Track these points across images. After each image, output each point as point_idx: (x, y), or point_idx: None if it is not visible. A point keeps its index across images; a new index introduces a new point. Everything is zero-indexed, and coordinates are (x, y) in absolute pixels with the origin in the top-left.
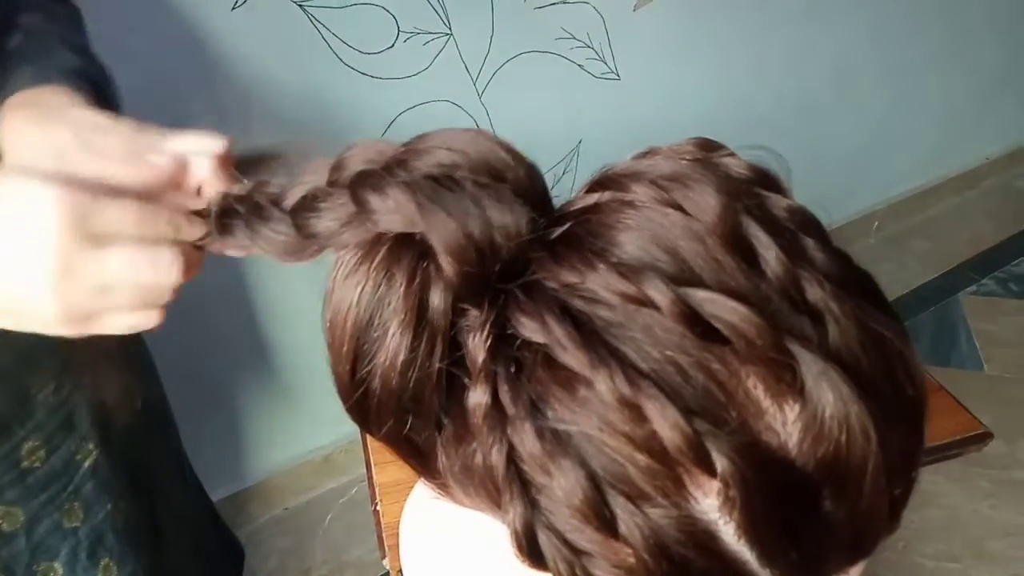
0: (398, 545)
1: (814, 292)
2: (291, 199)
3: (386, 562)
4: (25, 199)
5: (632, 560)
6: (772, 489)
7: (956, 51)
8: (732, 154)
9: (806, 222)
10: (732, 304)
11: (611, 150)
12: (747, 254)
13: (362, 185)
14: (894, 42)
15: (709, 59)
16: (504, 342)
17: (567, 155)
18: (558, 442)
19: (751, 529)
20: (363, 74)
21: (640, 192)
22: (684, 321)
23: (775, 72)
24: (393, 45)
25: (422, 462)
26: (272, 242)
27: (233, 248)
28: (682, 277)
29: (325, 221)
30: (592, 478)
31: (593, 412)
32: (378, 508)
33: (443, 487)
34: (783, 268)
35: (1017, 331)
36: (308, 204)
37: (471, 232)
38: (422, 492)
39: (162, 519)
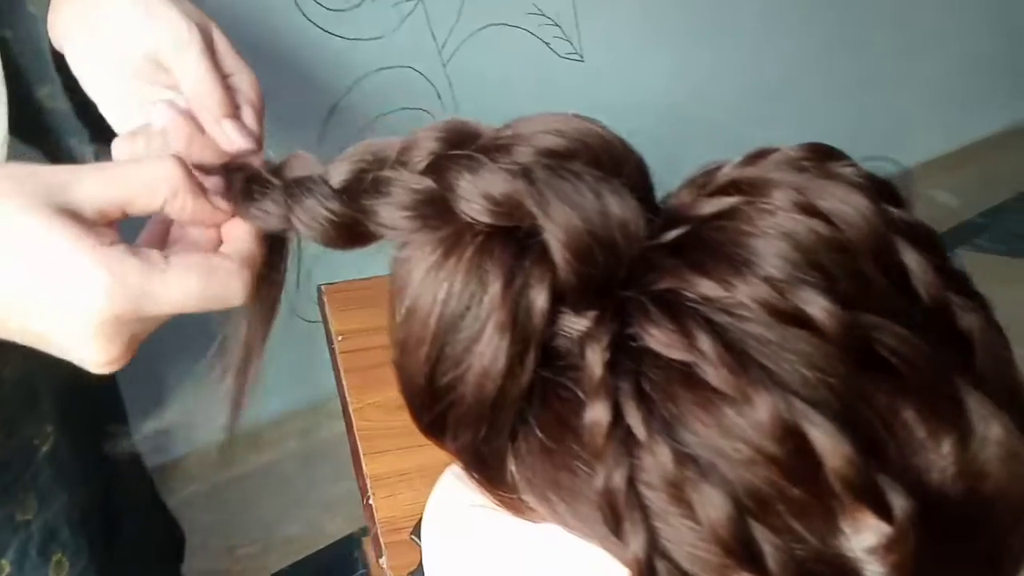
0: (397, 543)
1: (966, 319)
2: (338, 176)
3: (383, 561)
4: (72, 277)
5: None
6: (935, 530)
7: (875, 65)
8: (853, 164)
9: (930, 238)
10: (902, 332)
11: None
12: (899, 273)
13: (451, 168)
14: (834, 52)
15: (673, 47)
16: (625, 354)
17: None
18: (699, 469)
19: (906, 571)
20: (326, 31)
21: (782, 199)
22: (849, 346)
23: (736, 64)
24: (360, 4)
25: (486, 473)
26: (316, 218)
27: (256, 219)
28: (834, 295)
29: (394, 205)
30: (738, 508)
31: (743, 438)
32: (371, 502)
33: (509, 501)
34: (937, 292)
35: None
36: (371, 184)
37: (594, 227)
38: (453, 493)
39: (116, 509)
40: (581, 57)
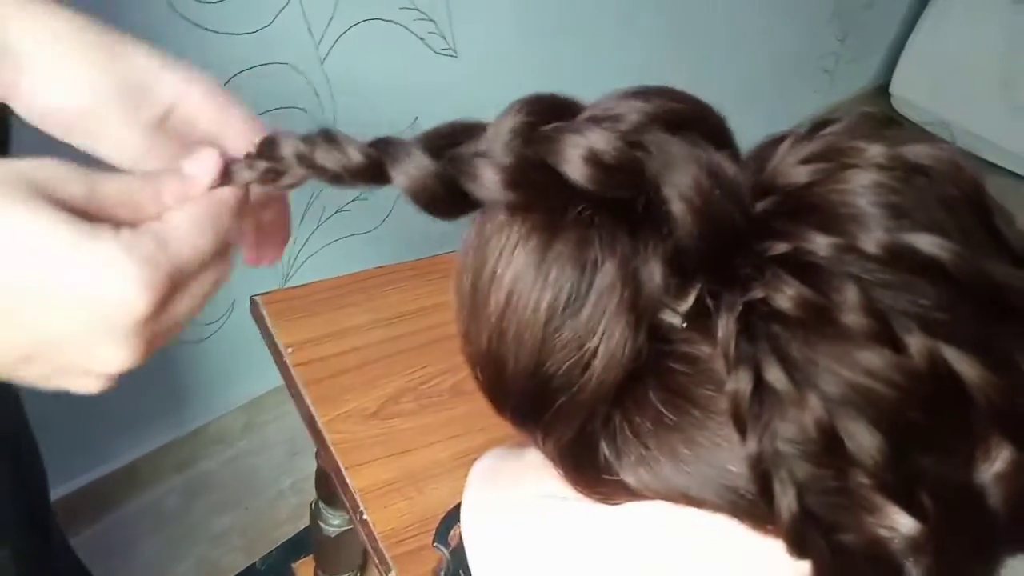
0: (402, 555)
1: None
2: (423, 143)
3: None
4: (100, 280)
5: (886, 534)
6: None
7: (707, 64)
8: (904, 127)
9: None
10: (1018, 272)
11: None
12: (990, 224)
13: (555, 134)
14: (686, 47)
15: (544, 43)
16: (757, 319)
17: (403, 132)
18: (851, 415)
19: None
20: (196, 25)
21: (877, 159)
22: (974, 286)
23: (603, 59)
24: None
25: (573, 460)
26: (418, 168)
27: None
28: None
29: (494, 168)
30: (892, 445)
31: (889, 380)
32: (365, 518)
33: (595, 484)
34: (1018, 238)
35: None
36: (467, 150)
37: (715, 192)
38: (502, 488)
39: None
40: (455, 53)
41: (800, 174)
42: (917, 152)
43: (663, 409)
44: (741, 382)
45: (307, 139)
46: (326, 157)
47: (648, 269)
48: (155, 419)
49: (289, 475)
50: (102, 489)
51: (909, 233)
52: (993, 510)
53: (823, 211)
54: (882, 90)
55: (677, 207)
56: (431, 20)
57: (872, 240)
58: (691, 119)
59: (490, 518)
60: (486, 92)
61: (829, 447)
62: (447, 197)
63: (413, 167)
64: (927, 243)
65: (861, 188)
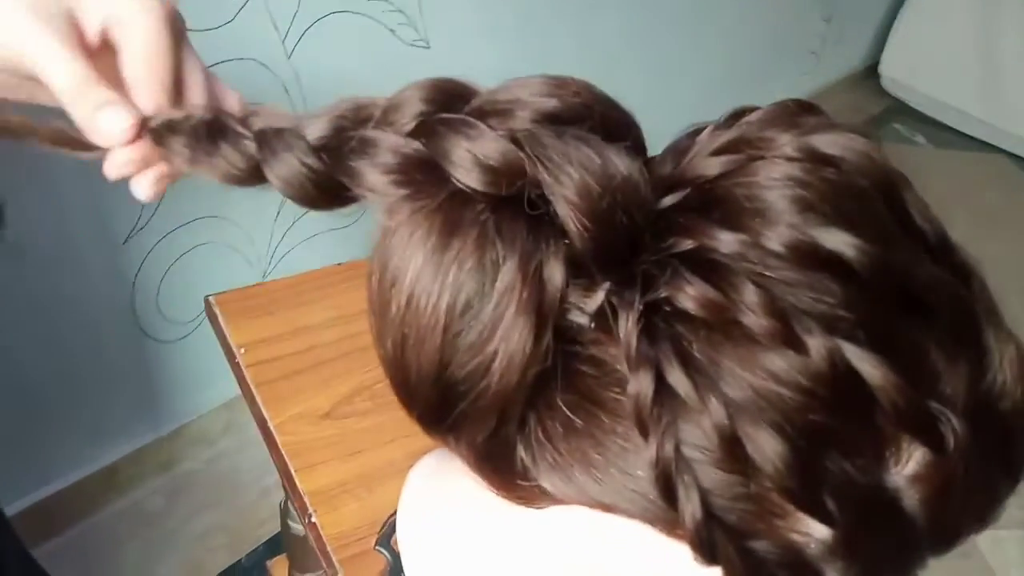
0: (351, 558)
1: (963, 253)
2: (316, 131)
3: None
4: None
5: (802, 540)
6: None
7: (691, 48)
8: (826, 116)
9: (907, 180)
10: (933, 270)
11: None
12: (904, 214)
13: (444, 133)
14: (642, 42)
15: (514, 33)
16: (659, 320)
17: None
18: (753, 419)
19: (946, 493)
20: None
21: (787, 150)
22: (881, 284)
23: (577, 52)
24: None
25: (490, 463)
26: (294, 174)
27: (219, 170)
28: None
29: (379, 168)
30: (796, 451)
31: (793, 383)
32: (314, 520)
33: (515, 488)
34: (939, 229)
35: None
36: (354, 143)
37: (605, 191)
38: (435, 490)
39: None
40: (427, 44)
41: (709, 166)
42: (827, 142)
43: (570, 413)
44: (642, 384)
45: (196, 128)
46: (208, 159)
47: (549, 268)
48: (135, 420)
49: (272, 473)
50: (83, 492)
51: (814, 228)
52: (910, 512)
53: (729, 205)
54: (871, 70)
55: (562, 210)
56: (400, 12)
57: (776, 236)
58: (584, 113)
59: (424, 520)
60: None
61: (732, 453)
62: (323, 197)
63: (285, 168)
64: (832, 239)
65: (768, 181)
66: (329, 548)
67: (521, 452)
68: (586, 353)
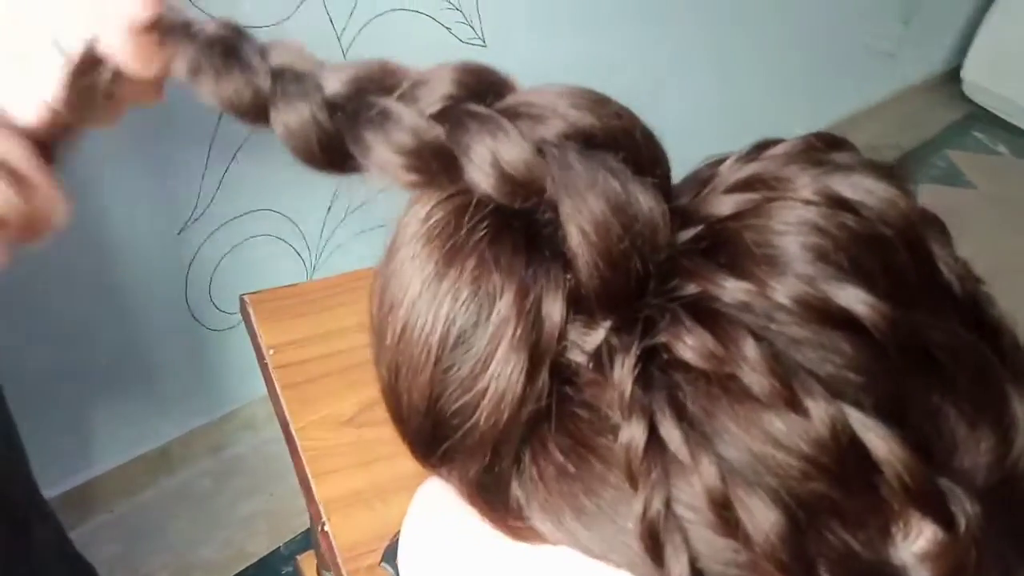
0: (360, 570)
1: (993, 309)
2: (334, 84)
3: None
4: None
5: None
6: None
7: (759, 48)
8: (859, 152)
9: (943, 227)
10: (949, 327)
11: None
12: (930, 266)
13: (468, 124)
14: (721, 36)
15: (573, 32)
16: (656, 367)
17: None
18: (747, 483)
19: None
20: (214, 17)
21: (805, 192)
22: (897, 344)
23: (633, 50)
24: None
25: (486, 498)
26: (303, 124)
27: (221, 98)
28: (874, 292)
29: (393, 146)
30: (792, 521)
31: (794, 449)
32: (327, 529)
33: (511, 526)
34: (970, 284)
35: None
36: (372, 111)
37: (627, 229)
38: (436, 517)
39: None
40: (484, 42)
41: (723, 204)
42: (849, 185)
43: (563, 457)
44: (634, 434)
45: (211, 40)
46: (214, 79)
47: (548, 304)
48: (187, 403)
49: None
50: (135, 470)
51: (827, 281)
52: None
53: (739, 249)
54: (952, 75)
55: (575, 241)
56: (458, 9)
57: (784, 288)
58: (616, 138)
59: (426, 543)
60: (517, 80)
61: (723, 517)
62: (326, 158)
63: (294, 118)
64: (844, 295)
65: (781, 225)
66: (339, 559)
67: (516, 490)
68: (582, 395)
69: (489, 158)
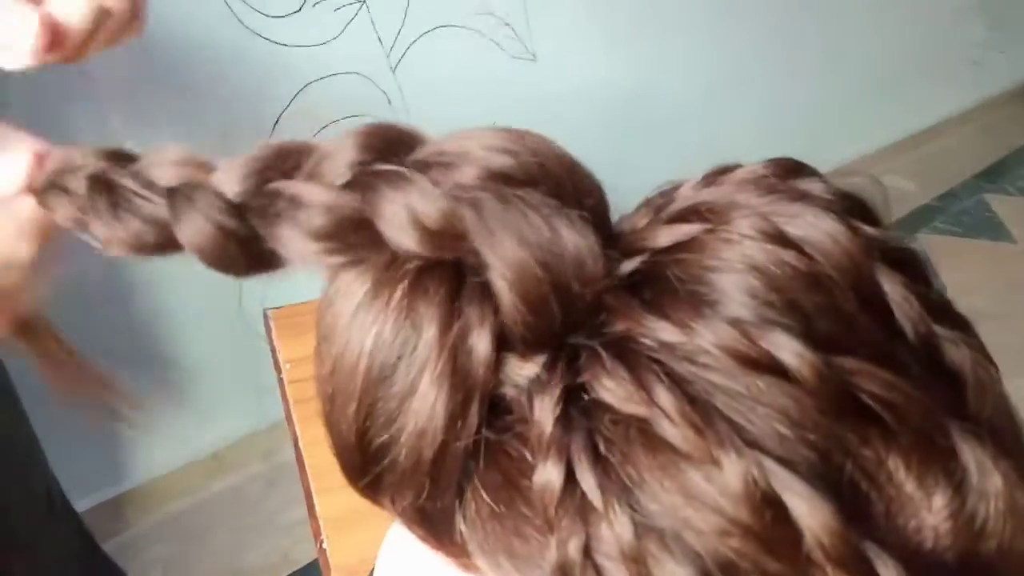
0: None
1: (956, 354)
2: (233, 185)
3: None
4: None
5: None
6: None
7: (828, 55)
8: (823, 180)
9: (910, 261)
10: (886, 376)
11: None
12: (881, 307)
13: (378, 186)
14: (779, 47)
15: (624, 46)
16: (579, 410)
17: None
18: (663, 541)
19: None
20: (266, 39)
21: (747, 227)
22: (828, 395)
23: (685, 62)
24: (300, 9)
25: (433, 532)
26: (207, 238)
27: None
28: (812, 337)
29: (304, 230)
30: (701, 573)
31: (712, 506)
32: (324, 547)
33: (464, 563)
34: (924, 327)
35: None
36: (280, 201)
37: (547, 267)
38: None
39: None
40: (533, 57)
41: (660, 236)
42: (793, 219)
43: (493, 496)
44: (549, 476)
45: (87, 193)
46: (110, 230)
47: (474, 338)
48: (241, 410)
49: None
50: (185, 475)
51: (756, 325)
52: None
53: (668, 286)
54: None
55: (498, 285)
56: (508, 25)
57: (709, 331)
58: (534, 175)
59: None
60: (565, 95)
61: (639, 572)
62: (253, 264)
63: (200, 235)
64: (772, 341)
65: (715, 261)
66: None
67: (460, 525)
68: (511, 434)
69: (404, 215)
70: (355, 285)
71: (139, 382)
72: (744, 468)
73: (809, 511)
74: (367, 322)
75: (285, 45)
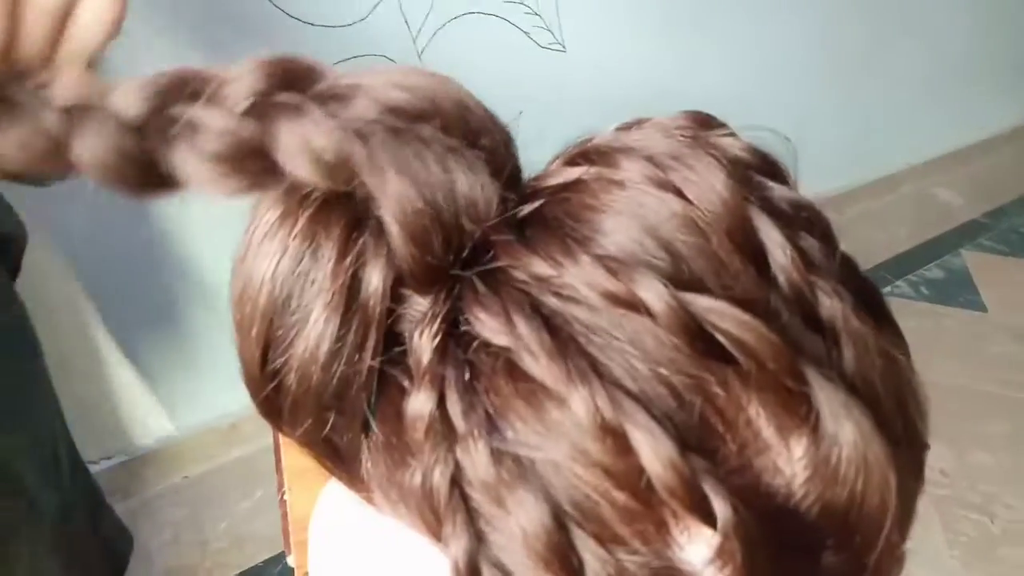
0: (305, 542)
1: (831, 306)
2: (132, 107)
3: (291, 559)
4: None
5: None
6: (774, 540)
7: (878, 58)
8: (732, 134)
9: (812, 219)
10: (742, 316)
11: (552, 124)
12: (756, 255)
13: (274, 115)
14: (817, 46)
15: (657, 37)
16: (457, 341)
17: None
18: (518, 469)
19: None
20: (293, 17)
21: (632, 170)
22: (683, 333)
23: (721, 55)
24: None
25: (342, 466)
26: (104, 158)
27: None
28: (680, 278)
29: (201, 153)
30: (557, 515)
31: (564, 437)
32: (285, 497)
33: (368, 497)
34: (798, 275)
35: (924, 333)
36: (177, 124)
37: (436, 206)
38: (338, 492)
39: (22, 523)
40: (563, 47)
41: (553, 178)
42: (678, 165)
43: (382, 430)
44: (420, 403)
45: None
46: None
47: (368, 271)
48: None
49: None
50: (203, 442)
51: (621, 264)
52: None
53: (553, 225)
54: None
55: (386, 219)
56: (537, 14)
57: (578, 269)
58: (428, 113)
59: (323, 525)
60: (595, 86)
61: (498, 502)
62: (148, 185)
63: (96, 154)
64: (639, 281)
65: (596, 203)
66: (290, 528)
67: (364, 460)
68: (401, 367)
69: (298, 145)
70: (268, 214)
71: (159, 346)
72: (591, 398)
73: (647, 442)
74: (271, 251)
75: (312, 24)
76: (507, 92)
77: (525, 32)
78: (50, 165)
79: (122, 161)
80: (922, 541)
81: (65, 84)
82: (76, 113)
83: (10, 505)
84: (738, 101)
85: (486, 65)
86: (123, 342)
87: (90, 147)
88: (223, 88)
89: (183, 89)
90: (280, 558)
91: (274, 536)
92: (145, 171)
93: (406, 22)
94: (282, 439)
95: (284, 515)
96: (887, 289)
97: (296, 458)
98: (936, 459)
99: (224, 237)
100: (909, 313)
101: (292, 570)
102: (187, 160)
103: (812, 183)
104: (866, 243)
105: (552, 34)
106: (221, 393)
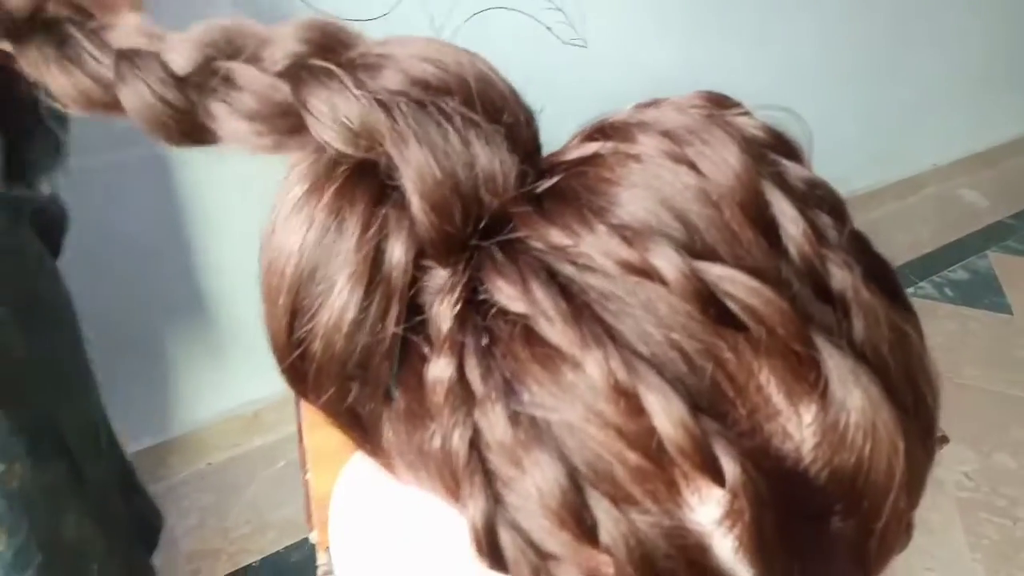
0: (328, 520)
1: (842, 278)
2: (181, 60)
3: (313, 536)
4: None
5: (610, 570)
6: (782, 503)
7: (903, 59)
8: (747, 112)
9: (825, 197)
10: (753, 284)
11: (573, 119)
12: (768, 227)
13: (308, 80)
14: (843, 45)
15: (680, 34)
16: (476, 309)
17: None
18: (534, 431)
19: (754, 547)
20: (317, 9)
21: (648, 144)
22: (695, 300)
23: (742, 52)
24: None
25: (365, 436)
26: (149, 105)
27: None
28: (693, 248)
29: (238, 111)
30: (572, 475)
31: (579, 399)
32: (308, 477)
33: (389, 466)
34: (809, 247)
35: (948, 336)
36: (219, 79)
37: (456, 178)
38: (360, 467)
39: (68, 488)
40: (585, 43)
41: (573, 151)
42: (693, 140)
43: (405, 397)
44: (440, 369)
45: (42, 40)
46: (55, 75)
47: (391, 243)
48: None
49: None
50: (228, 429)
51: (642, 236)
52: (720, 557)
53: (571, 197)
54: None
55: (408, 189)
56: (560, 10)
57: (594, 237)
58: (453, 87)
59: (345, 501)
60: (617, 82)
61: (516, 464)
62: (189, 136)
63: (141, 101)
64: (654, 250)
65: (613, 175)
66: (312, 507)
67: (386, 429)
68: (422, 335)
69: (327, 111)
70: (296, 189)
71: (185, 335)
72: (605, 362)
73: (659, 402)
74: (298, 224)
75: (339, 18)
76: (529, 88)
77: (548, 27)
78: (100, 106)
79: (165, 110)
80: (944, 544)
81: (123, 30)
82: (129, 59)
83: (60, 466)
84: (761, 100)
85: (508, 60)
86: (151, 332)
87: (138, 94)
88: (263, 48)
89: (228, 46)
90: (301, 545)
91: (296, 523)
92: (185, 122)
93: (430, 17)
94: (304, 423)
95: (306, 494)
96: (911, 290)
97: (318, 439)
98: (959, 462)
99: (248, 228)
100: (935, 315)
101: (314, 554)
102: (224, 115)
103: (836, 183)
104: (890, 244)
105: (574, 30)
106: (245, 382)
